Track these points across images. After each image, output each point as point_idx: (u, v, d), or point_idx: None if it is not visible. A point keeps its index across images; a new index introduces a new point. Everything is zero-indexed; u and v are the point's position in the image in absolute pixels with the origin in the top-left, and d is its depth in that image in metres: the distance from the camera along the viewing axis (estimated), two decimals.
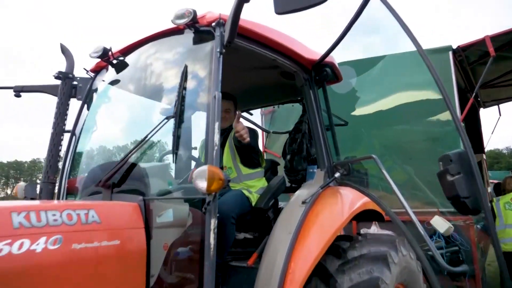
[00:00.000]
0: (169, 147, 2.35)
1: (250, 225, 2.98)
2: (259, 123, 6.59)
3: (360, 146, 4.77)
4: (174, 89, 2.28)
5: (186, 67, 2.28)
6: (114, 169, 2.25)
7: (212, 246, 1.82)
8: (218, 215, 2.60)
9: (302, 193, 2.76)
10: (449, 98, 1.85)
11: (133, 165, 2.28)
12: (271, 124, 6.26)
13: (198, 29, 2.30)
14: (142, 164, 2.31)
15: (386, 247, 2.47)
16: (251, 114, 4.24)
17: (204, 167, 1.69)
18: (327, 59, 2.87)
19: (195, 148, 3.70)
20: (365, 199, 2.71)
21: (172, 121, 2.25)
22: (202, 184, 1.69)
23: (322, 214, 2.50)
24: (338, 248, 2.48)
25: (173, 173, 2.55)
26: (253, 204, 2.88)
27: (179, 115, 2.13)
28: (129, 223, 2.01)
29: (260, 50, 2.52)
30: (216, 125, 1.92)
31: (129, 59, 2.80)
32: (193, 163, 3.04)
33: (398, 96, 4.85)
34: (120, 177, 2.29)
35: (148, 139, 2.20)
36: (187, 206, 2.13)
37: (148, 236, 2.03)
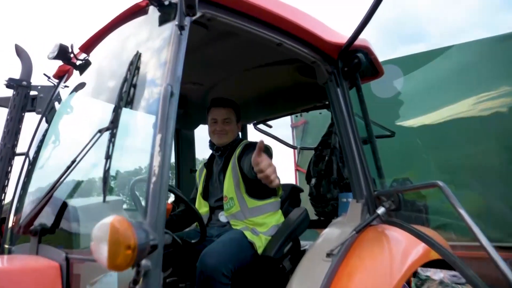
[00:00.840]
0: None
1: (256, 281, 2.14)
2: (290, 138, 5.79)
3: (412, 166, 3.70)
4: (133, 89, 1.54)
5: (142, 57, 1.54)
6: (37, 208, 1.55)
7: None
8: (203, 270, 1.84)
9: (329, 236, 1.89)
10: None
11: (65, 203, 1.55)
12: (303, 139, 5.39)
13: (161, 3, 1.57)
14: (77, 201, 1.57)
15: None
16: (270, 127, 3.42)
17: (106, 221, 0.88)
18: (358, 42, 2.01)
19: (194, 171, 2.95)
20: (426, 247, 1.78)
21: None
22: (102, 252, 0.88)
23: (358, 275, 1.62)
24: None
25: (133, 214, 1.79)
26: (260, 251, 2.04)
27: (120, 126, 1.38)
28: None
29: (258, 31, 1.73)
30: (158, 138, 1.14)
31: (93, 57, 2.13)
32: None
33: (466, 98, 3.70)
34: (52, 221, 1.58)
35: (80, 160, 1.48)
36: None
37: None
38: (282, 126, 5.86)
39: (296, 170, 5.67)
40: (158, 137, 1.13)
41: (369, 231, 1.83)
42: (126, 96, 1.40)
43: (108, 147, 1.31)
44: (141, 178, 2.20)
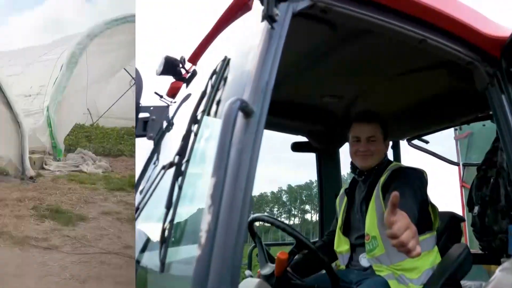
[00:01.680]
0: None
1: None
2: (454, 152, 5.04)
3: None
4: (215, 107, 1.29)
5: (231, 65, 1.30)
6: None
7: None
8: None
9: None
10: None
11: None
12: (468, 153, 4.62)
13: None
14: None
15: None
16: (427, 142, 2.96)
17: None
18: None
19: (335, 196, 2.45)
20: None
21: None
22: None
23: None
24: None
25: None
26: None
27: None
28: None
29: (393, 24, 1.37)
30: (211, 183, 0.83)
31: (199, 67, 1.90)
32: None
33: None
34: None
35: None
36: None
37: None
38: (446, 137, 5.14)
39: (462, 186, 4.93)
40: (212, 182, 0.80)
41: None
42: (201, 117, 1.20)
43: (171, 190, 1.10)
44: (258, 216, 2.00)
